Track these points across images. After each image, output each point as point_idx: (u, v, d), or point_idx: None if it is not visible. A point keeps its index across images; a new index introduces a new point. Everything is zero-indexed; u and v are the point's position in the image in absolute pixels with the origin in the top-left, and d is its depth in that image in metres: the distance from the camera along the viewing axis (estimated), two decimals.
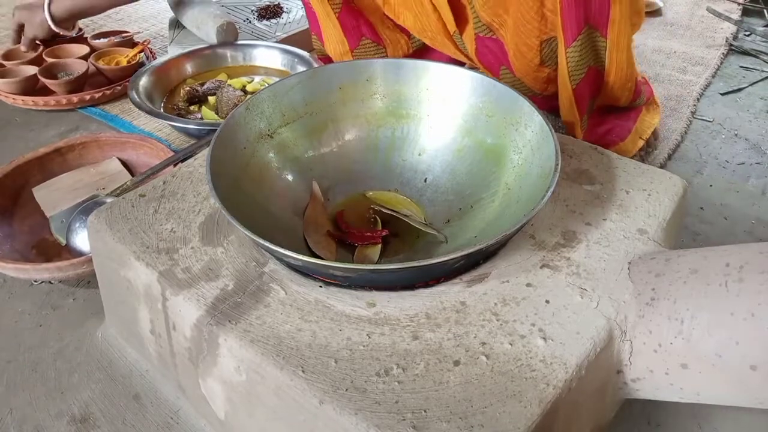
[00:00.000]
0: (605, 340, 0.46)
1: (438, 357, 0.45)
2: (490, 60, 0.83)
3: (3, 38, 1.42)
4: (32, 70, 1.12)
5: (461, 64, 0.85)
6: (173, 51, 1.18)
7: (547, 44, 0.73)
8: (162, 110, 1.02)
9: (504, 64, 0.81)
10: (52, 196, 0.84)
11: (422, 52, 0.97)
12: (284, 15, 1.38)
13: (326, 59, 1.00)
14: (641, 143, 0.87)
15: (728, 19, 1.41)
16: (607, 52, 0.72)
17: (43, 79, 1.09)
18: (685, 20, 1.41)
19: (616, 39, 0.71)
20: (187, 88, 1.05)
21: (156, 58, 1.21)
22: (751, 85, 1.19)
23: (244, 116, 0.63)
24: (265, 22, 1.35)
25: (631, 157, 0.70)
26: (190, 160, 0.68)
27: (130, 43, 1.27)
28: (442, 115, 0.68)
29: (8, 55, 1.18)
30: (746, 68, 1.25)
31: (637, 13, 0.74)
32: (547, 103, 0.84)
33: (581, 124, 0.80)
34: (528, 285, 0.51)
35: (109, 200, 0.75)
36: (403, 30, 0.94)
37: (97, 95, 1.10)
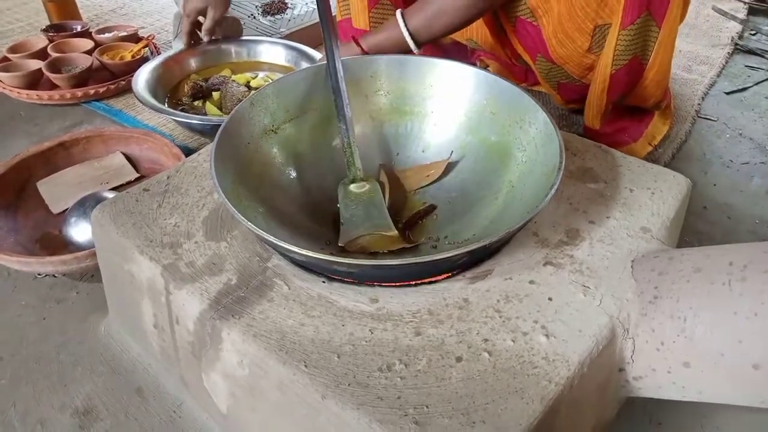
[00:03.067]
0: (608, 337, 0.46)
1: (440, 353, 0.45)
2: (528, 43, 0.84)
3: (7, 32, 1.43)
4: (37, 64, 1.12)
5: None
6: (177, 46, 1.18)
7: (600, 30, 0.75)
8: (166, 105, 1.02)
9: (540, 52, 0.82)
10: (57, 190, 0.84)
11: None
12: (288, 11, 1.37)
13: (346, 24, 0.92)
14: (650, 149, 0.88)
15: (734, 18, 1.40)
16: (656, 44, 0.74)
17: (47, 74, 1.09)
18: (691, 19, 1.41)
19: (668, 33, 0.73)
20: (191, 84, 1.05)
21: (160, 53, 1.21)
22: (757, 84, 1.18)
23: (249, 112, 0.63)
24: (269, 18, 1.35)
25: None
26: (194, 155, 0.68)
27: (134, 38, 1.27)
28: (446, 112, 0.68)
29: (14, 49, 1.19)
30: (751, 67, 1.24)
31: (685, 4, 0.76)
32: (578, 92, 0.84)
33: (603, 114, 0.80)
34: (531, 282, 0.51)
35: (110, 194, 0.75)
36: None
37: (101, 90, 1.10)
